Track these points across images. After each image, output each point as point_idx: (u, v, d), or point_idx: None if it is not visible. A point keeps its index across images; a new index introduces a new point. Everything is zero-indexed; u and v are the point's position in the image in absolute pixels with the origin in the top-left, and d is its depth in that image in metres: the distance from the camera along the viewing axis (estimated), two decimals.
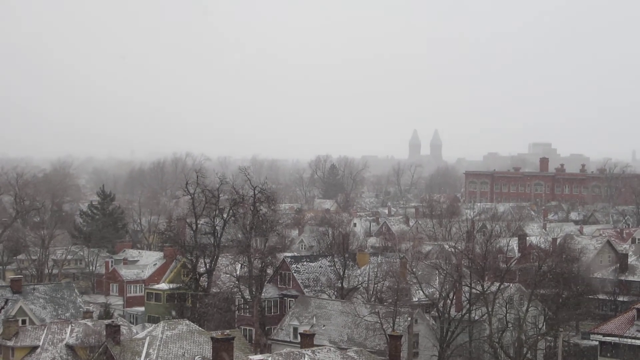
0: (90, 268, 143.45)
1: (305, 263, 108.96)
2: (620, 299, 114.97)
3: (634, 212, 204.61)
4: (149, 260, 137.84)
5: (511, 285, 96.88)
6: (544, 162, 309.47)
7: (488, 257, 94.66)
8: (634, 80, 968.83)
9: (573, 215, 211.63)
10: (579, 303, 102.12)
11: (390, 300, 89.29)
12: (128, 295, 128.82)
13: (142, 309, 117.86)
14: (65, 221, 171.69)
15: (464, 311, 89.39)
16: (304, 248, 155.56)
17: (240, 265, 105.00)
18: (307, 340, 64.36)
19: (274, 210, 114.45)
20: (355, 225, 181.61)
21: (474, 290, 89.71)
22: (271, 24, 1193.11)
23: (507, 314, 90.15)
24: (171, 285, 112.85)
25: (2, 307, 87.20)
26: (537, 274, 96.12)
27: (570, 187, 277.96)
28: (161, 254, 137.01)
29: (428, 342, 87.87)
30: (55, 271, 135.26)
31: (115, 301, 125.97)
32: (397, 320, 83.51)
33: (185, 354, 66.90)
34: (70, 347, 75.71)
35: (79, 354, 75.21)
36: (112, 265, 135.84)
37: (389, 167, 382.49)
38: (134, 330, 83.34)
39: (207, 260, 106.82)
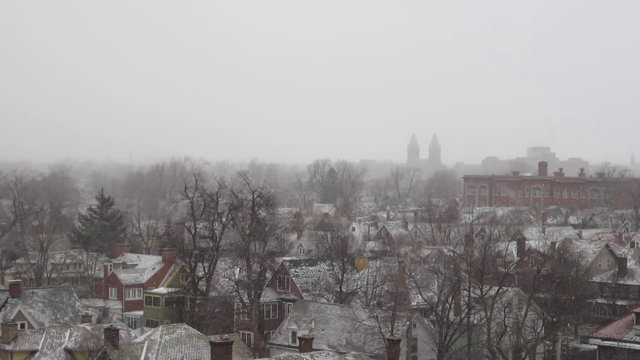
0: (89, 272, 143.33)
1: (304, 267, 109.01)
2: (619, 302, 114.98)
3: (633, 216, 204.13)
4: (147, 264, 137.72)
5: (510, 289, 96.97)
6: (542, 166, 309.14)
7: (487, 261, 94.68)
8: (633, 84, 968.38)
9: (572, 219, 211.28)
10: (577, 307, 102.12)
11: (388, 305, 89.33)
12: (127, 299, 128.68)
13: (141, 312, 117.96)
14: (64, 225, 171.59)
15: (462, 315, 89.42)
16: (303, 252, 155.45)
17: (239, 269, 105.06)
18: (306, 344, 64.37)
19: (272, 214, 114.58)
20: (354, 229, 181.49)
21: (472, 294, 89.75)
22: (270, 32, 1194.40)
23: (506, 318, 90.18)
24: (170, 289, 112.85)
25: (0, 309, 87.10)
26: (536, 278, 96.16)
27: (569, 191, 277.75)
28: (160, 258, 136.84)
29: (427, 347, 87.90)
30: (54, 275, 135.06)
31: (114, 305, 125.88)
32: (395, 324, 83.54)
33: (184, 358, 66.88)
34: (69, 351, 75.74)
35: (77, 358, 75.22)
36: (110, 269, 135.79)
37: (388, 171, 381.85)
38: (133, 334, 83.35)
39: (206, 264, 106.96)
